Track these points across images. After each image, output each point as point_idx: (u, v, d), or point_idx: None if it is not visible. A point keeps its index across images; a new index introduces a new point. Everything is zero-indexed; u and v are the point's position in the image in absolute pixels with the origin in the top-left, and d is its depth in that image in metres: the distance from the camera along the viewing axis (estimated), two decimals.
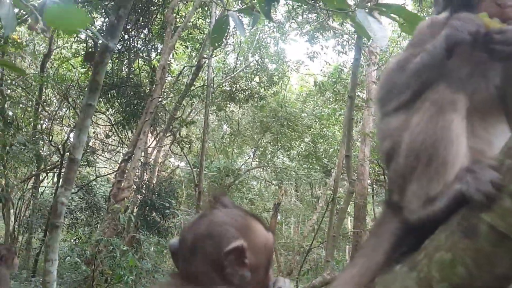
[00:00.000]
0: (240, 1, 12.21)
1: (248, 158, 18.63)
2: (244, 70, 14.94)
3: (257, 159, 18.18)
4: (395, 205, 1.38)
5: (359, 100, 14.00)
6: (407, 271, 1.12)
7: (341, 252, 18.02)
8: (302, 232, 17.82)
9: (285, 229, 18.79)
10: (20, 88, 11.64)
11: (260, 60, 15.27)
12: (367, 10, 1.78)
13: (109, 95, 11.82)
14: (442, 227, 1.07)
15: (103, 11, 11.47)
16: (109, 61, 12.87)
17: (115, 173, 12.20)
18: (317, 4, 11.84)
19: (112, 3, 10.07)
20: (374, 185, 16.37)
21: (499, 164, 0.96)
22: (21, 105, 11.06)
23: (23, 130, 10.39)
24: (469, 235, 0.93)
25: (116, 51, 12.42)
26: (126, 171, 9.97)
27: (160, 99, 10.59)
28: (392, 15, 1.76)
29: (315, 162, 16.32)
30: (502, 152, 0.99)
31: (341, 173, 15.23)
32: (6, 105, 8.01)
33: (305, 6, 11.67)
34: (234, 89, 14.72)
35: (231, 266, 1.10)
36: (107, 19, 11.28)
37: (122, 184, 9.59)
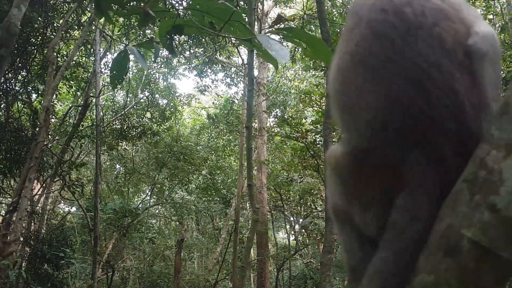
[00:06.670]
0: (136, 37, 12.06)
1: (145, 196, 18.06)
2: (135, 106, 14.65)
3: (155, 196, 17.71)
4: None
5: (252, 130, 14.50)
6: None
7: (246, 281, 18.01)
8: (207, 266, 17.56)
9: (188, 265, 18.41)
10: None
11: (150, 96, 15.12)
12: (269, 35, 1.93)
13: None
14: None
15: None
16: None
17: None
18: (203, 39, 12.17)
19: None
20: (272, 211, 16.85)
21: (473, 177, 0.90)
22: None
23: None
24: (451, 253, 0.88)
25: None
26: (12, 223, 9.11)
27: (45, 143, 9.93)
28: (294, 39, 1.92)
29: (214, 193, 16.38)
30: (474, 164, 0.92)
31: (241, 202, 15.53)
32: None
33: (191, 41, 11.90)
34: (125, 127, 14.32)
35: None
36: None
37: (8, 237, 8.74)
